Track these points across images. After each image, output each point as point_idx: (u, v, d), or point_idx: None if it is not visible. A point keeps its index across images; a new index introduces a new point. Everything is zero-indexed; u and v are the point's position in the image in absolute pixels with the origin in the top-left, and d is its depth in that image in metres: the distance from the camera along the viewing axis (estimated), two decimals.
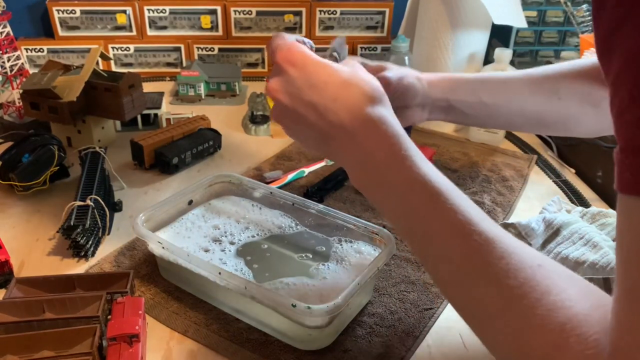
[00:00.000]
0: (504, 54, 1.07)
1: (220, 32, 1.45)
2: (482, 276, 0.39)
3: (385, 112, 0.47)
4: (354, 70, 0.49)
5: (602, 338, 0.32)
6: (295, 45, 0.50)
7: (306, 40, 0.56)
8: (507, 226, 0.81)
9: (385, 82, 0.61)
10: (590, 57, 0.75)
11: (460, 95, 0.68)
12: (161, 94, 1.24)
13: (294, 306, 0.57)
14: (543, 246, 0.79)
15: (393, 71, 0.67)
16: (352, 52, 1.48)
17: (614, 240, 0.77)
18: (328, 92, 0.47)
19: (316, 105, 0.47)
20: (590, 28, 1.25)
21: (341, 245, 0.74)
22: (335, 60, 0.57)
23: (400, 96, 0.63)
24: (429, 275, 0.45)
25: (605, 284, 0.62)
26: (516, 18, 1.13)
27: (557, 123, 0.68)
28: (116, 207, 0.89)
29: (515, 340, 0.36)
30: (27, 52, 1.40)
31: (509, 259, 0.38)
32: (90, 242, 0.77)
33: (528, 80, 0.68)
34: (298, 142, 0.52)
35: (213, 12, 1.43)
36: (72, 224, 0.75)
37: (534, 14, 1.36)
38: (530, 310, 0.35)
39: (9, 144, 0.97)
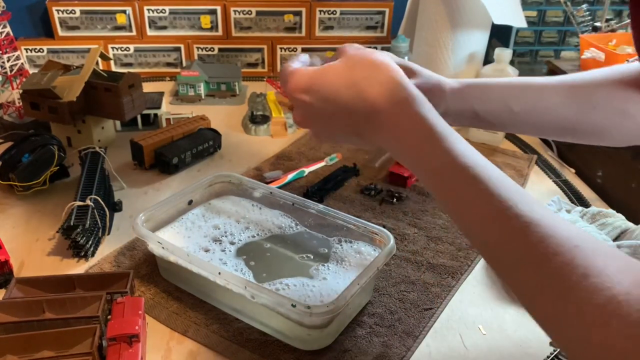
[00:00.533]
0: (504, 53, 1.07)
1: (220, 32, 1.45)
2: (519, 261, 0.39)
3: (404, 91, 0.47)
4: (355, 58, 0.49)
5: None
6: (294, 73, 0.51)
7: (303, 57, 0.56)
8: None
9: None
10: (627, 64, 0.72)
11: (488, 105, 0.64)
12: (161, 94, 1.24)
13: (294, 306, 0.57)
14: None
15: (415, 79, 0.62)
16: None
17: (614, 240, 0.77)
18: (342, 97, 0.48)
19: (337, 114, 0.49)
20: (590, 28, 1.25)
21: (341, 245, 0.74)
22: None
23: None
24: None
25: None
26: (516, 18, 1.14)
27: (590, 133, 0.64)
28: (116, 207, 0.89)
29: (557, 322, 0.37)
30: (27, 52, 1.40)
31: (547, 242, 0.38)
32: (90, 242, 0.77)
33: (561, 88, 0.64)
34: (346, 145, 0.54)
35: (213, 12, 1.43)
36: (72, 224, 0.75)
37: (534, 14, 1.36)
38: (569, 293, 0.36)
39: (9, 144, 0.97)
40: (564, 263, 0.36)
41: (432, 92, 0.60)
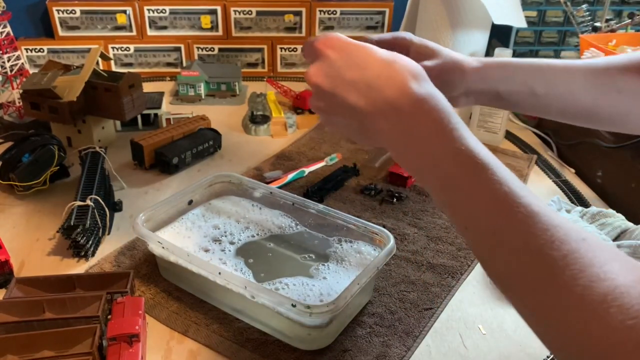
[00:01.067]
0: (503, 54, 1.07)
1: (220, 32, 1.45)
2: (525, 247, 0.39)
3: (430, 87, 0.47)
4: (392, 52, 0.49)
5: None
6: (331, 34, 0.51)
7: None
8: None
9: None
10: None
11: (510, 86, 0.62)
12: (161, 94, 1.24)
13: (294, 306, 0.57)
14: None
15: (435, 60, 0.62)
16: None
17: (613, 240, 0.77)
18: (370, 71, 0.46)
19: (357, 83, 0.46)
20: (590, 28, 1.25)
21: (341, 245, 0.74)
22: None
23: (440, 86, 0.54)
24: (470, 247, 0.45)
25: None
26: (516, 18, 1.13)
27: (614, 117, 0.63)
28: (116, 207, 0.89)
29: (556, 311, 0.37)
30: (27, 52, 1.40)
31: (554, 230, 0.38)
32: (90, 242, 0.77)
33: (586, 70, 0.62)
34: (335, 130, 0.51)
35: (213, 12, 1.43)
36: (72, 223, 0.75)
37: (534, 14, 1.36)
38: (572, 281, 0.36)
39: (9, 144, 0.98)
40: (570, 251, 0.36)
41: (453, 71, 0.61)
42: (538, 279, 0.38)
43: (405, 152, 0.47)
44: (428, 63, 0.61)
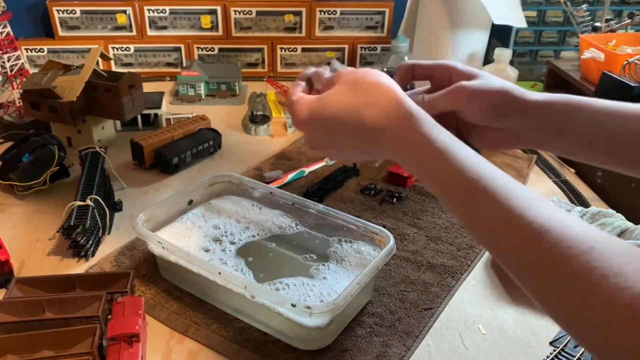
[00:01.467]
0: (503, 54, 1.07)
1: (220, 32, 1.45)
2: (536, 267, 0.39)
3: (400, 108, 0.47)
4: (350, 83, 0.50)
5: None
6: (295, 104, 0.53)
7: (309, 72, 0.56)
8: None
9: (464, 93, 0.54)
10: None
11: (579, 126, 0.56)
12: (161, 94, 1.24)
13: (294, 306, 0.57)
14: None
15: (479, 82, 0.56)
16: (352, 52, 1.48)
17: None
18: (344, 122, 0.49)
19: (343, 138, 0.50)
20: (590, 28, 1.25)
21: (341, 245, 0.74)
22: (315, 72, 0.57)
23: (495, 116, 0.54)
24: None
25: None
26: (516, 18, 1.14)
27: None
28: (116, 207, 0.89)
29: (582, 324, 0.37)
30: (27, 52, 1.40)
31: (560, 246, 0.38)
32: (90, 242, 0.77)
33: None
34: (352, 162, 0.55)
35: (213, 12, 1.43)
36: (72, 223, 0.75)
37: (533, 14, 1.36)
38: (590, 294, 0.36)
39: (9, 144, 0.98)
40: (581, 265, 0.37)
41: (506, 98, 0.55)
42: (557, 295, 0.38)
43: (414, 174, 0.49)
44: (472, 84, 0.55)
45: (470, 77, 0.56)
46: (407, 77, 0.58)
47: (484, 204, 0.42)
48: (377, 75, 0.50)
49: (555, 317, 0.39)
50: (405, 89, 0.53)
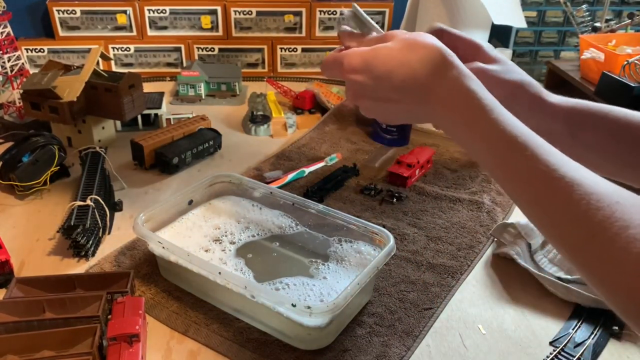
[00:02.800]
0: (503, 54, 1.07)
1: (220, 32, 1.46)
2: (564, 216, 0.42)
3: (455, 70, 0.48)
4: (405, 42, 0.50)
5: None
6: (346, 55, 0.52)
7: (345, 11, 0.55)
8: (506, 226, 0.81)
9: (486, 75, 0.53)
10: None
11: (596, 132, 0.56)
12: (161, 94, 1.24)
13: (294, 306, 0.58)
14: (542, 246, 0.79)
15: (500, 66, 0.55)
16: None
17: None
18: (395, 77, 0.49)
19: (390, 93, 0.50)
20: (590, 28, 1.25)
21: (341, 245, 0.74)
22: (361, 33, 0.56)
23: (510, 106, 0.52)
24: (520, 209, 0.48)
25: None
26: (516, 18, 1.14)
27: None
28: (116, 207, 0.89)
29: (600, 272, 0.40)
30: (27, 52, 1.40)
31: (588, 199, 0.41)
32: (90, 242, 0.77)
33: None
34: (394, 122, 0.56)
35: (213, 12, 1.43)
36: (72, 223, 0.75)
37: (533, 14, 1.36)
38: (610, 243, 0.39)
39: (10, 144, 0.98)
40: (605, 217, 0.39)
41: (520, 93, 0.54)
42: (579, 244, 0.41)
43: (454, 134, 0.49)
44: (489, 67, 0.55)
45: (493, 61, 0.56)
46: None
47: (523, 158, 0.44)
48: (431, 38, 0.50)
49: (577, 265, 0.42)
50: None
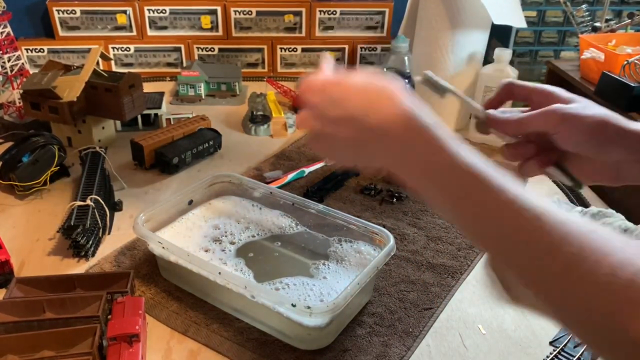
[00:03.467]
0: (503, 54, 1.07)
1: (220, 32, 1.45)
2: (537, 246, 0.39)
3: (411, 103, 0.46)
4: (370, 76, 0.49)
5: None
6: (312, 74, 0.51)
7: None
8: None
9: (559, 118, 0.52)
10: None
11: None
12: (161, 94, 1.24)
13: (294, 306, 0.58)
14: None
15: (578, 106, 0.53)
16: (352, 52, 1.48)
17: None
18: (350, 103, 0.47)
19: (341, 119, 0.48)
20: (590, 28, 1.25)
21: (341, 245, 0.74)
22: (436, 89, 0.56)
23: (591, 146, 0.52)
24: (487, 253, 0.46)
25: None
26: (516, 18, 1.14)
27: None
28: (116, 207, 0.89)
29: (582, 303, 0.37)
30: (27, 52, 1.40)
31: (563, 226, 0.38)
32: (90, 242, 0.77)
33: None
34: (339, 162, 0.53)
35: (213, 12, 1.43)
36: (72, 223, 0.75)
37: (533, 14, 1.36)
38: (594, 271, 0.36)
39: (9, 144, 0.98)
40: (583, 244, 0.37)
41: (603, 128, 0.51)
42: (558, 274, 0.38)
43: (405, 172, 0.47)
44: (567, 107, 0.53)
45: (570, 101, 0.54)
46: (507, 95, 0.56)
47: (483, 193, 0.42)
48: (393, 78, 0.49)
49: (552, 303, 0.39)
50: (498, 106, 0.54)
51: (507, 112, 0.54)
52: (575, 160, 0.55)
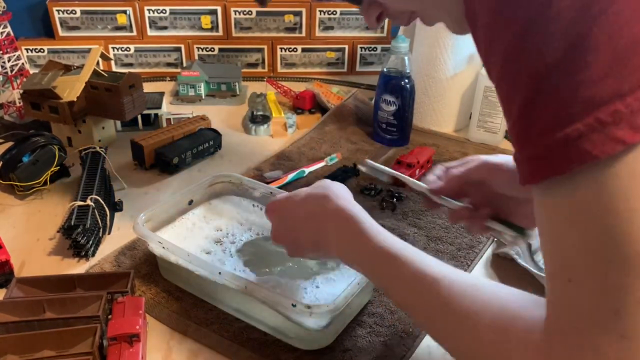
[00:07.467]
0: None
1: (220, 32, 1.45)
2: (432, 309, 0.48)
3: (341, 204, 0.57)
4: (310, 188, 0.62)
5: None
6: (273, 197, 0.68)
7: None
8: None
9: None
10: None
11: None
12: (161, 94, 1.24)
13: (294, 306, 0.58)
14: None
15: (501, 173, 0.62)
16: (352, 51, 1.48)
17: None
18: (297, 218, 0.61)
19: (295, 229, 0.61)
20: None
21: None
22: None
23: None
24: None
25: None
26: None
27: None
28: (117, 207, 0.89)
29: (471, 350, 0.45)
30: (27, 52, 1.40)
31: (449, 289, 0.46)
32: (90, 242, 0.77)
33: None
34: (304, 256, 0.65)
35: (213, 12, 1.43)
36: (72, 223, 0.75)
37: None
38: (485, 328, 0.43)
39: (10, 144, 0.98)
40: (469, 305, 0.45)
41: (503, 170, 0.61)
42: (449, 328, 0.47)
43: (347, 258, 0.57)
44: (494, 157, 0.63)
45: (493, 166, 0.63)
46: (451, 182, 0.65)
47: (395, 267, 0.51)
48: (325, 182, 0.62)
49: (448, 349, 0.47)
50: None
51: (447, 166, 0.66)
52: (514, 208, 0.62)
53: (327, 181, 0.62)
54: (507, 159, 0.61)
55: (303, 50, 1.48)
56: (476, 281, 0.48)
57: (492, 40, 0.39)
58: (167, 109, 1.24)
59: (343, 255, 0.57)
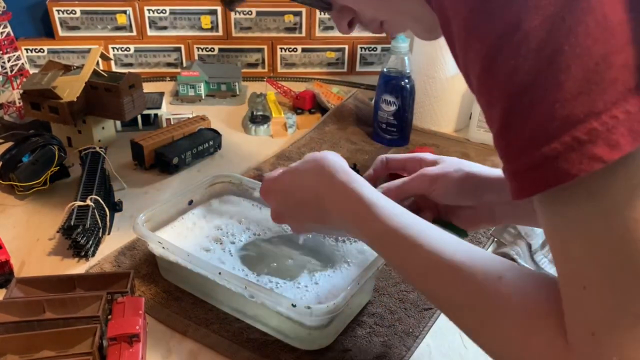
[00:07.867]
0: None
1: (220, 32, 1.45)
2: (455, 300, 0.47)
3: (341, 178, 0.56)
4: (302, 161, 0.62)
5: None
6: (266, 177, 0.65)
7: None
8: (507, 226, 0.81)
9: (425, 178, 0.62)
10: None
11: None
12: (161, 94, 1.24)
13: (294, 306, 0.58)
14: (543, 246, 0.79)
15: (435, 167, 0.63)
16: (352, 52, 1.48)
17: None
18: (298, 194, 0.59)
19: (295, 207, 0.60)
20: None
21: (342, 244, 0.74)
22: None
23: (462, 195, 0.61)
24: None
25: None
26: None
27: None
28: (116, 207, 0.89)
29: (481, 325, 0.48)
30: (27, 52, 1.40)
31: (474, 278, 0.45)
32: (90, 242, 0.77)
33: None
34: (308, 232, 0.65)
35: (213, 13, 1.43)
36: (72, 224, 0.75)
37: None
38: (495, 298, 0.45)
39: (9, 144, 0.98)
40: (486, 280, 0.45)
41: (465, 179, 0.60)
42: (466, 307, 0.47)
43: (351, 233, 0.57)
44: (432, 169, 0.62)
45: (437, 163, 0.63)
46: (383, 169, 0.66)
47: (407, 248, 0.49)
48: (321, 154, 0.61)
49: (462, 325, 0.49)
50: (377, 182, 0.63)
51: (385, 185, 0.64)
52: (456, 211, 0.64)
53: (318, 154, 0.61)
54: (449, 168, 0.61)
55: (303, 50, 1.48)
56: (501, 273, 0.45)
57: (467, 52, 0.39)
58: (167, 109, 1.24)
59: (349, 230, 0.56)
